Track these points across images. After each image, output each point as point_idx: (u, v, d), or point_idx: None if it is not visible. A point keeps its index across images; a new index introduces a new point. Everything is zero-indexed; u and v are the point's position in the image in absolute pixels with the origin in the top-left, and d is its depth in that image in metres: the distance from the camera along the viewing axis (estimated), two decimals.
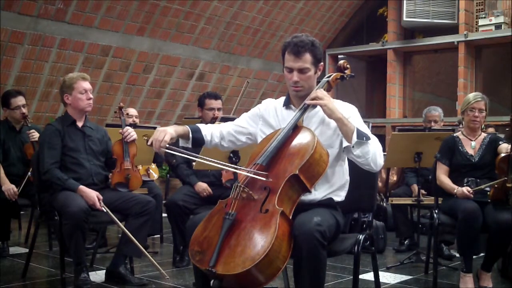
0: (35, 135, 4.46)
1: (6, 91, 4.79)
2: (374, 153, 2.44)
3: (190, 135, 2.62)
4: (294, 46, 2.52)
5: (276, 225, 2.17)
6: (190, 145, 2.63)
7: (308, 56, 2.52)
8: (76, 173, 3.64)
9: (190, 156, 2.52)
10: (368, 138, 2.42)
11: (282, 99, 2.71)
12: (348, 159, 2.63)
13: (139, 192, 4.60)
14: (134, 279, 3.68)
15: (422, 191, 4.56)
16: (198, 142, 2.66)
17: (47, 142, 3.64)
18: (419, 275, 4.04)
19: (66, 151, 3.67)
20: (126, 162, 3.85)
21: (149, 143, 2.50)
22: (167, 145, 2.47)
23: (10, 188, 4.25)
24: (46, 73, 6.58)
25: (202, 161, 2.59)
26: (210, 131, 2.68)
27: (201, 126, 2.68)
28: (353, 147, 2.43)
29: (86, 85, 3.74)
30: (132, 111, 5.47)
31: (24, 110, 4.55)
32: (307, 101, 2.52)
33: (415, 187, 4.59)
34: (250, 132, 2.71)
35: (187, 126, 2.63)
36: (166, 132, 2.49)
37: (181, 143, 2.63)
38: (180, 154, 2.53)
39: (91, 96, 3.77)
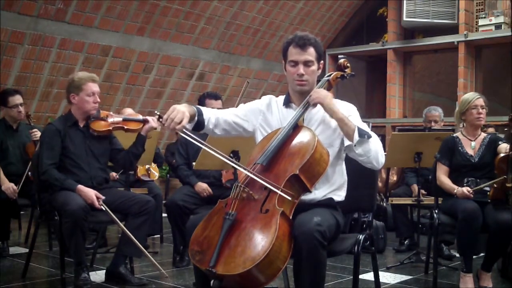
0: (37, 134, 4.49)
1: (4, 90, 4.81)
2: (375, 151, 2.44)
3: (196, 118, 2.54)
4: (299, 40, 2.54)
5: (276, 225, 2.17)
6: (191, 128, 2.55)
7: (312, 50, 2.55)
8: (75, 176, 3.63)
9: (202, 144, 2.41)
10: (369, 136, 2.43)
11: (282, 97, 2.71)
12: (346, 160, 2.63)
13: (139, 192, 4.62)
14: (134, 279, 3.67)
15: (422, 191, 4.56)
16: (199, 126, 2.58)
17: (47, 142, 3.64)
18: (419, 275, 4.04)
19: (66, 153, 3.65)
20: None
21: (162, 120, 2.37)
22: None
23: (9, 186, 4.25)
24: (46, 73, 6.58)
25: (211, 151, 2.40)
26: (208, 116, 2.61)
27: (203, 109, 2.60)
28: (355, 145, 2.43)
29: (95, 87, 3.72)
30: (129, 111, 5.44)
31: (21, 108, 4.56)
32: (310, 99, 2.51)
33: (415, 187, 4.59)
34: (247, 126, 2.67)
35: (194, 107, 2.54)
36: (184, 115, 2.38)
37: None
38: (191, 140, 2.37)
39: (98, 100, 3.73)
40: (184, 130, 2.37)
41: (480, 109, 3.76)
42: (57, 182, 3.54)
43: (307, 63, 2.54)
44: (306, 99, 2.54)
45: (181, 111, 2.38)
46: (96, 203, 3.52)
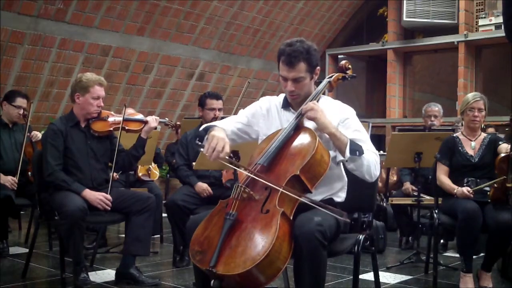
0: (38, 136, 4.51)
1: (16, 90, 4.90)
2: (368, 166, 2.42)
3: None
4: (287, 56, 2.47)
5: (277, 226, 2.17)
6: None
7: (302, 65, 2.48)
8: (75, 177, 3.62)
9: (244, 170, 2.39)
10: (361, 153, 2.39)
11: (281, 96, 2.70)
12: None
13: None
14: (147, 280, 3.64)
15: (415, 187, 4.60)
16: None
17: (50, 143, 3.62)
18: (419, 275, 4.04)
19: (68, 154, 3.65)
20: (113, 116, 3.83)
21: (205, 151, 2.36)
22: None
23: (8, 179, 4.28)
24: (46, 73, 6.58)
25: (253, 176, 2.36)
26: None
27: (221, 125, 2.60)
28: (347, 161, 2.43)
29: (101, 92, 3.73)
30: (130, 112, 5.42)
31: (22, 112, 4.60)
32: (303, 111, 2.49)
33: (407, 184, 4.67)
34: (252, 132, 2.68)
35: (215, 127, 2.53)
36: (225, 141, 2.38)
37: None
38: (235, 168, 2.34)
39: (102, 104, 3.75)
40: (227, 157, 2.36)
41: (477, 112, 3.76)
42: (65, 184, 3.54)
43: (296, 80, 2.51)
44: (300, 109, 2.52)
45: (221, 138, 2.38)
46: (106, 204, 3.54)
